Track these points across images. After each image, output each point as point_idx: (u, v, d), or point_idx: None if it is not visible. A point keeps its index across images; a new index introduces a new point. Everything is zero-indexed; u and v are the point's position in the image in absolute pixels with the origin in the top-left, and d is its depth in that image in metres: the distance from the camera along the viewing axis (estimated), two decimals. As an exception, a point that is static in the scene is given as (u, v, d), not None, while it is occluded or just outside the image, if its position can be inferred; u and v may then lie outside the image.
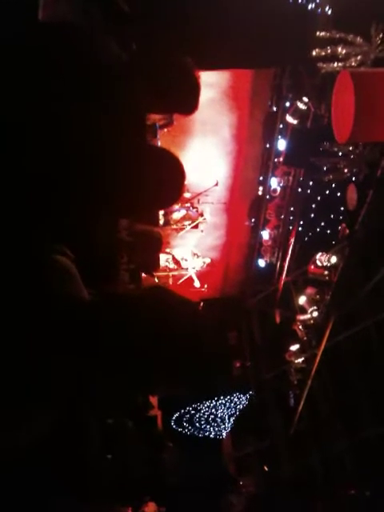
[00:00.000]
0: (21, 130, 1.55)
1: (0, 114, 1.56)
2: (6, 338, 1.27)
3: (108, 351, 1.32)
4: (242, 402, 13.41)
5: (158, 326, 1.33)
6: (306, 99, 8.31)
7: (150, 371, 1.35)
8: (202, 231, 10.90)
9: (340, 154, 7.01)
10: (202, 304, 10.83)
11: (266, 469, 12.72)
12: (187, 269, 11.31)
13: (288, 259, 11.03)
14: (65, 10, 2.22)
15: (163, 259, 10.96)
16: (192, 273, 11.35)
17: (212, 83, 8.68)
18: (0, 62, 1.64)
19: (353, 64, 6.21)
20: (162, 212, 9.91)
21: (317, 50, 6.54)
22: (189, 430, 13.64)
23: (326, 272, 8.93)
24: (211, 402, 13.47)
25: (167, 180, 1.75)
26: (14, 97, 1.59)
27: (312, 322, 9.97)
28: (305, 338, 10.29)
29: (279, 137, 9.54)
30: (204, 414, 13.59)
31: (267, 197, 10.68)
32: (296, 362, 10.71)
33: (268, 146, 9.98)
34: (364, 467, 9.17)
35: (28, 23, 1.93)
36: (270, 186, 10.41)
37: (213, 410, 13.53)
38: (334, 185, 8.37)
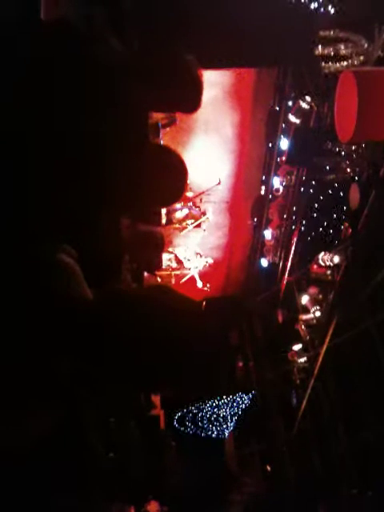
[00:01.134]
0: (23, 131, 1.55)
1: (2, 115, 1.57)
2: (8, 338, 1.27)
3: (111, 353, 1.32)
4: (245, 402, 13.40)
5: (161, 326, 1.33)
6: (308, 98, 8.30)
7: (154, 372, 1.35)
8: (204, 230, 10.89)
9: (343, 153, 7.01)
10: (204, 304, 10.82)
11: (268, 469, 12.72)
12: (190, 268, 11.31)
13: (290, 259, 11.02)
14: (66, 11, 2.22)
15: (166, 258, 10.96)
16: (194, 272, 11.34)
17: (214, 82, 8.67)
18: (1, 63, 1.65)
19: (356, 63, 6.21)
20: (164, 211, 9.91)
21: (320, 49, 6.53)
22: (191, 430, 13.64)
23: (329, 272, 8.93)
24: (214, 402, 13.47)
25: (169, 178, 1.75)
26: (16, 97, 1.59)
27: (315, 321, 9.96)
28: (308, 338, 10.28)
29: (282, 136, 9.53)
30: (207, 413, 13.58)
31: (270, 196, 10.66)
32: (299, 361, 10.70)
33: (271, 145, 9.97)
34: (367, 467, 9.15)
35: (28, 25, 1.93)
36: (273, 186, 10.40)
37: (215, 410, 13.52)
38: (336, 184, 8.36)
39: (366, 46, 6.19)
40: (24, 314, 1.30)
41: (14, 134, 1.50)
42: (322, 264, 8.83)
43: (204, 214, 10.61)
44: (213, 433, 13.64)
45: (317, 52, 6.58)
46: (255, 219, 11.43)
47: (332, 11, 6.89)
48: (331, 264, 8.73)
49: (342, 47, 6.36)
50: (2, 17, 1.81)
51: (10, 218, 1.47)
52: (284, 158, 9.59)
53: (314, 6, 6.96)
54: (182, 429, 13.56)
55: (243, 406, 13.41)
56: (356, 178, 7.24)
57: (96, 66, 1.76)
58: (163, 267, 10.81)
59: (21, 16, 1.92)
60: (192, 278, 11.38)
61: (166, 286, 1.48)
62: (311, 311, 9.96)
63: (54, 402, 1.37)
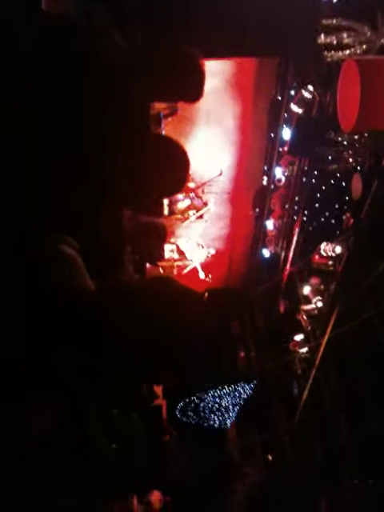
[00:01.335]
0: (24, 128, 1.54)
1: (5, 108, 1.56)
2: (9, 332, 1.26)
3: (112, 345, 1.32)
4: (247, 392, 13.44)
5: (162, 318, 1.33)
6: (311, 88, 8.25)
7: (155, 364, 1.35)
8: (206, 221, 10.90)
9: (345, 143, 6.98)
10: (206, 295, 10.80)
11: (270, 458, 12.76)
12: (192, 259, 11.31)
13: (292, 249, 11.00)
14: (66, 8, 2.20)
15: (168, 249, 10.97)
16: (196, 263, 11.34)
17: (216, 72, 8.62)
18: (2, 61, 1.64)
19: (358, 52, 6.17)
20: (166, 202, 9.91)
21: (322, 37, 6.49)
22: (193, 420, 13.69)
23: (331, 262, 8.92)
24: (216, 392, 13.51)
25: (171, 168, 1.75)
26: (17, 95, 1.58)
27: (316, 312, 9.97)
28: (309, 328, 10.30)
29: (284, 126, 9.48)
30: (208, 403, 13.63)
31: (272, 187, 10.63)
32: (300, 352, 10.72)
33: (273, 135, 9.93)
34: (368, 457, 9.18)
35: (29, 23, 1.91)
36: (275, 176, 10.36)
37: (217, 400, 13.56)
38: (338, 174, 8.33)
39: (368, 34, 6.14)
40: (25, 307, 1.30)
41: (15, 131, 1.49)
42: (324, 254, 8.83)
43: (206, 204, 10.61)
44: (215, 423, 13.69)
45: (319, 41, 6.54)
46: (257, 210, 11.41)
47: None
48: (333, 254, 8.72)
49: (345, 36, 6.31)
50: (3, 15, 1.80)
51: (12, 213, 1.46)
52: (286, 148, 9.55)
53: (316, -6, 6.91)
54: (184, 419, 13.61)
55: (245, 396, 13.44)
56: (358, 167, 7.22)
57: (97, 63, 1.75)
58: (165, 258, 10.82)
59: (22, 13, 1.90)
60: (194, 269, 11.39)
61: (167, 277, 1.48)
62: (313, 301, 9.97)
63: (56, 397, 1.37)
